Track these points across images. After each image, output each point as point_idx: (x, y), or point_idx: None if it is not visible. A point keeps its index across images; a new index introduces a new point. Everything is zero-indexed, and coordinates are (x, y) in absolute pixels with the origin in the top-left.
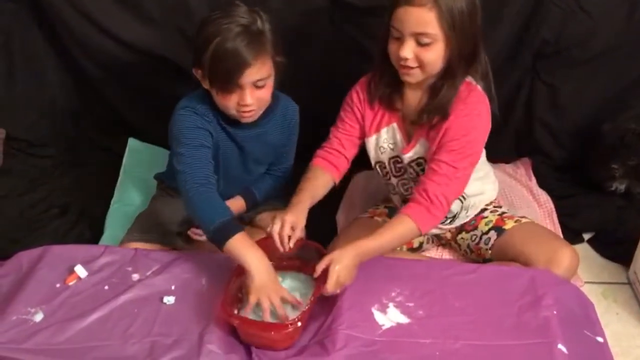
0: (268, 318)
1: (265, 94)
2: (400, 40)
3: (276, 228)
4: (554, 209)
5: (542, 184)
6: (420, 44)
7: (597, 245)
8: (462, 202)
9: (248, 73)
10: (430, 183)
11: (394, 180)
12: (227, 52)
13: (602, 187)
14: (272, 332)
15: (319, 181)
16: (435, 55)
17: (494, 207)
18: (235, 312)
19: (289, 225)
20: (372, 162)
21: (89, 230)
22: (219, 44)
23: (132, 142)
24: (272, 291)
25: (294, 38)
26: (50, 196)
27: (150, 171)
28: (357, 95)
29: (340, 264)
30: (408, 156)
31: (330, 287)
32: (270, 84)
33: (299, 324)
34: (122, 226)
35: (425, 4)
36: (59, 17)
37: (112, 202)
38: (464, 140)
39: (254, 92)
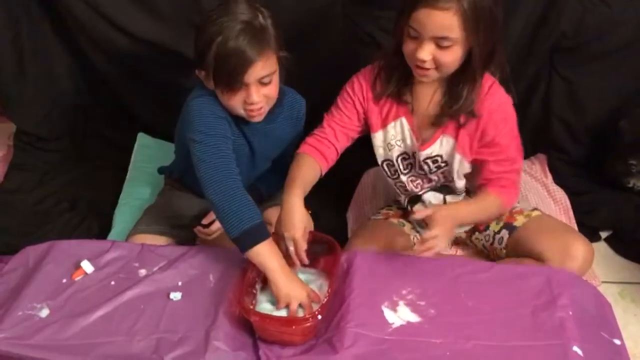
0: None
1: (271, 91)
2: (418, 40)
3: (292, 250)
4: (569, 206)
5: (558, 181)
6: (439, 47)
7: (615, 243)
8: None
9: (253, 70)
10: (499, 179)
11: (403, 178)
12: (231, 51)
13: (619, 184)
14: (294, 327)
15: (310, 172)
16: (454, 57)
17: None
18: (251, 307)
19: (303, 239)
20: (379, 160)
21: (97, 225)
22: (222, 43)
23: (141, 137)
24: (298, 293)
25: (305, 31)
26: (60, 190)
27: (159, 165)
28: (360, 87)
29: (444, 225)
30: (425, 153)
31: (430, 243)
32: (276, 79)
33: (319, 317)
34: (131, 221)
35: (450, 7)
36: (69, 11)
37: (121, 197)
38: (507, 129)
39: (260, 89)
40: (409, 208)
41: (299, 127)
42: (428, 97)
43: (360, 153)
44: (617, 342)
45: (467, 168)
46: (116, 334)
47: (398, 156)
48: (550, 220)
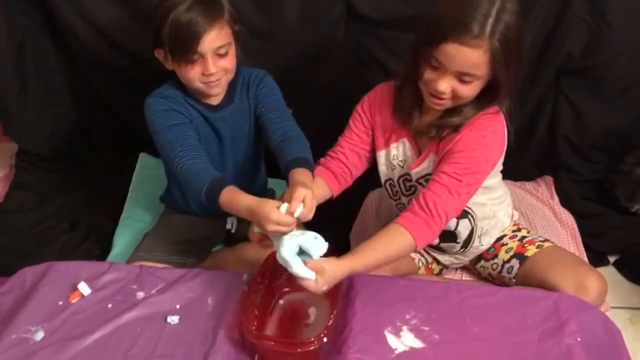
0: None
1: (228, 64)
2: (439, 72)
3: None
4: (577, 229)
5: (565, 203)
6: (460, 81)
7: (624, 268)
8: (471, 225)
9: (206, 39)
10: (430, 194)
11: (404, 200)
12: (184, 21)
13: (625, 207)
14: (299, 350)
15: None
16: (473, 91)
17: (512, 232)
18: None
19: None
20: (382, 180)
21: (97, 246)
22: (176, 15)
23: (143, 157)
24: (267, 216)
25: (309, 55)
26: (60, 211)
27: (161, 187)
28: (368, 105)
29: (333, 272)
30: (416, 172)
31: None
32: (232, 52)
33: (325, 339)
34: (131, 242)
35: (481, 46)
36: (72, 31)
37: (121, 217)
38: (472, 155)
39: (217, 60)
40: None
41: (268, 98)
42: (430, 118)
43: (364, 173)
44: None
45: None
46: (112, 358)
47: (400, 177)
48: (563, 252)
